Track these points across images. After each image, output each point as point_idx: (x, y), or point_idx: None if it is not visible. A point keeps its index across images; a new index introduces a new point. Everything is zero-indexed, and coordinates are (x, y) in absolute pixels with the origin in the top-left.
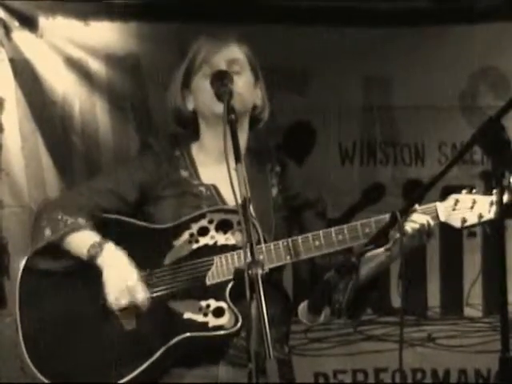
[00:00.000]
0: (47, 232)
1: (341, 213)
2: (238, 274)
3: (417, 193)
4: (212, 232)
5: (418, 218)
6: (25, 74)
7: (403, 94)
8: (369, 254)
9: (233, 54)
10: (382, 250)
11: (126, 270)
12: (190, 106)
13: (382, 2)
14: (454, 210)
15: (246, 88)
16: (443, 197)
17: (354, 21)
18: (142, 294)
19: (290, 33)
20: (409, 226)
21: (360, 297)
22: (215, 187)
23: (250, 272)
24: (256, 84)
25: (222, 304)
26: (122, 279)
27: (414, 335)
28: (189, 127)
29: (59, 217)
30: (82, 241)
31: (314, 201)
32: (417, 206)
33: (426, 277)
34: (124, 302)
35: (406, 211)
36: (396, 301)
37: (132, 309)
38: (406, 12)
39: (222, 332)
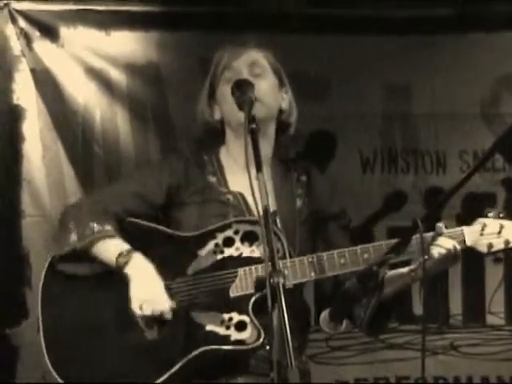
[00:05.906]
0: (73, 237)
1: (362, 221)
2: (260, 283)
3: (438, 200)
4: (237, 243)
5: (445, 243)
6: (46, 84)
7: (424, 101)
8: (393, 274)
9: (253, 57)
10: (406, 270)
11: (153, 282)
12: (217, 115)
13: (402, 11)
14: (481, 235)
15: (269, 91)
16: (465, 204)
17: (374, 29)
18: (165, 306)
19: (310, 41)
20: (435, 251)
21: (381, 315)
22: (242, 195)
23: (271, 281)
24: (281, 88)
25: (245, 318)
26: (147, 290)
27: (436, 343)
28: (217, 136)
29: (86, 222)
30: (110, 249)
31: (339, 213)
32: (444, 230)
33: (448, 285)
34: (148, 312)
35: (428, 219)
36: (418, 308)
37: (155, 318)
38: (425, 20)
39: (243, 347)
